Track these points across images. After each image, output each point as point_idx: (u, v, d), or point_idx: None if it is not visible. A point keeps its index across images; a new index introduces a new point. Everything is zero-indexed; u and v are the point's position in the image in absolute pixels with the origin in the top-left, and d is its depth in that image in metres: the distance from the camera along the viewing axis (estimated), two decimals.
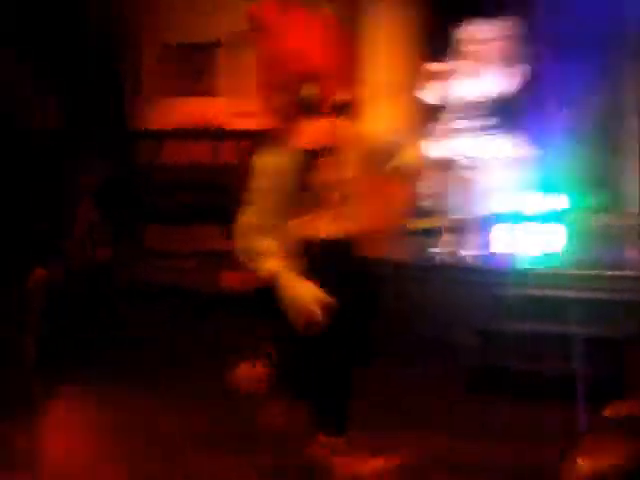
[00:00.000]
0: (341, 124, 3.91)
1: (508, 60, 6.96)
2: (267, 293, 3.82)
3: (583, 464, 3.47)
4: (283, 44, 3.90)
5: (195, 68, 9.59)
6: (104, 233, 7.64)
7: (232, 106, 9.22)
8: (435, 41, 8.05)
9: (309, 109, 3.83)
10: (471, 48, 7.01)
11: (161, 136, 9.48)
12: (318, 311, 3.64)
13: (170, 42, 9.54)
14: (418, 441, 4.57)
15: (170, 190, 9.03)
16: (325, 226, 3.87)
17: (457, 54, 7.07)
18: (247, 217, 3.83)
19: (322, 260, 3.78)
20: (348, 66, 4.10)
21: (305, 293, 3.68)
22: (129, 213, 8.84)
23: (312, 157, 3.83)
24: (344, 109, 3.90)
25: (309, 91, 3.83)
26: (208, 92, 9.51)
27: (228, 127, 9.16)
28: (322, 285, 3.68)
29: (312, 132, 3.82)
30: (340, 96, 3.86)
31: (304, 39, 3.90)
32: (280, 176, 3.85)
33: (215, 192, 8.39)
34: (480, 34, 6.99)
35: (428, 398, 5.47)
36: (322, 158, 3.86)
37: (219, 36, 9.23)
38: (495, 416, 5.06)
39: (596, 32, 7.67)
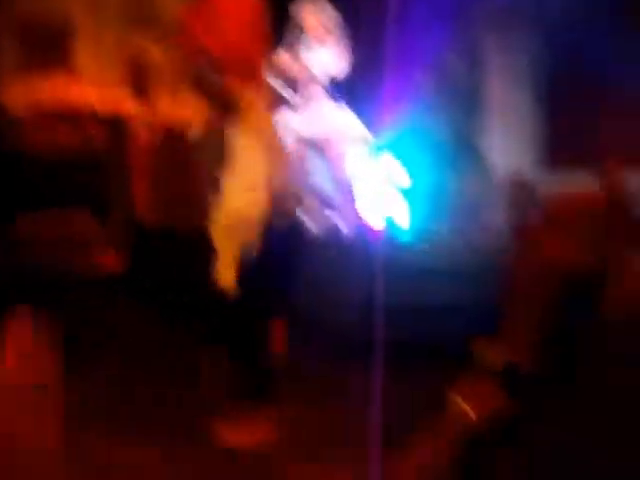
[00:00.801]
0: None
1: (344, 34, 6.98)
2: None
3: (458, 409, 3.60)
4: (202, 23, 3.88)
5: (52, 49, 9.42)
6: None
7: (92, 88, 9.11)
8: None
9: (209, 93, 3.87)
10: (309, 23, 7.01)
11: (24, 120, 9.29)
12: None
13: (26, 23, 9.35)
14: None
15: (34, 175, 8.86)
16: None
17: (297, 30, 7.06)
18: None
19: None
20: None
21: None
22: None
23: None
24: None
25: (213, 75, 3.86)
26: (66, 74, 9.35)
27: (89, 109, 9.03)
28: None
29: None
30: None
31: (223, 20, 3.90)
32: None
33: (79, 175, 8.29)
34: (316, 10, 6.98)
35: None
36: None
37: (75, 15, 9.10)
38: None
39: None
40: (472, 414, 3.64)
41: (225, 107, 3.92)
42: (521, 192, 5.02)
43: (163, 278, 4.52)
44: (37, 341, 3.92)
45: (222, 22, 3.88)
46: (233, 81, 3.87)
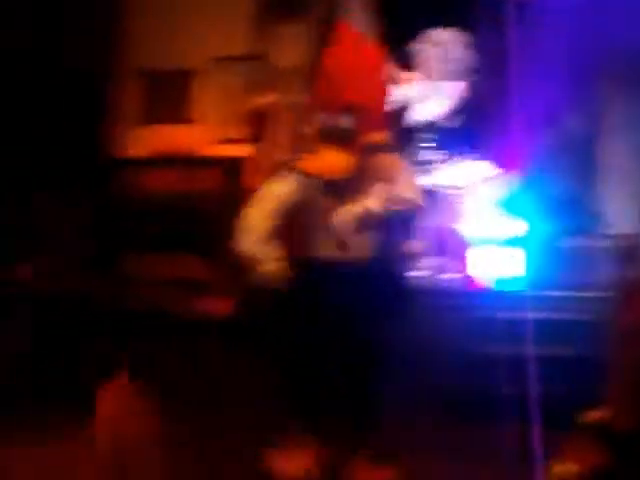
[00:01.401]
0: (365, 161, 3.97)
1: (466, 74, 6.90)
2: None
3: (560, 468, 3.58)
4: (332, 72, 3.93)
5: (171, 96, 9.61)
6: (85, 260, 7.64)
7: (208, 133, 9.27)
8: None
9: (340, 139, 3.88)
10: (430, 62, 6.95)
11: (140, 164, 9.49)
12: None
13: (146, 69, 9.56)
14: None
15: (147, 217, 9.02)
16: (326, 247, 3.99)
17: (416, 67, 7.01)
18: (253, 221, 4.08)
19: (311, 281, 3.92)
20: (383, 106, 4.14)
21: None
22: (109, 240, 8.84)
23: (328, 186, 3.92)
24: (376, 148, 3.96)
25: (345, 122, 3.87)
26: (184, 120, 9.53)
27: (204, 154, 9.19)
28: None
29: (333, 162, 3.88)
30: (374, 136, 3.92)
31: (353, 71, 3.95)
32: (292, 193, 4.05)
33: (190, 219, 8.41)
34: (439, 46, 6.92)
35: (406, 419, 5.47)
36: (338, 189, 3.96)
37: (194, 64, 9.27)
38: (473, 438, 5.06)
39: (571, 50, 7.76)
40: (575, 470, 3.61)
41: (361, 151, 3.95)
42: (635, 250, 4.96)
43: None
44: (131, 408, 3.98)
45: (351, 72, 3.92)
46: (365, 127, 3.90)
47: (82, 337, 7.01)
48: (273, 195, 4.07)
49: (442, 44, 6.86)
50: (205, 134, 9.35)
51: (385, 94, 4.08)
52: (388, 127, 4.05)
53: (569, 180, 8.96)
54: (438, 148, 6.94)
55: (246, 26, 8.78)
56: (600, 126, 9.09)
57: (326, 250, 4.09)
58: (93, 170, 9.17)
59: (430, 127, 6.98)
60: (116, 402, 4.06)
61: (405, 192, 4.15)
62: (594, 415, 3.87)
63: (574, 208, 8.92)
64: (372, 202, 4.10)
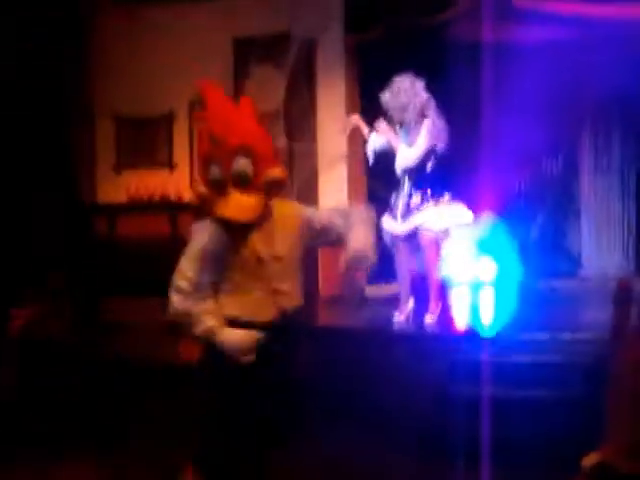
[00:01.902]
0: (270, 200, 4.03)
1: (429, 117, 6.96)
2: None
3: None
4: (219, 120, 4.02)
5: (148, 140, 9.63)
6: (65, 306, 7.61)
7: (187, 178, 9.28)
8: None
9: (240, 182, 3.94)
10: (394, 112, 7.01)
11: (117, 209, 9.49)
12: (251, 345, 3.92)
13: (123, 114, 9.58)
14: None
15: (126, 263, 9.00)
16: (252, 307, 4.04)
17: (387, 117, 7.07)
18: (183, 276, 3.99)
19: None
20: (271, 147, 4.21)
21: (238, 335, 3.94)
22: (88, 286, 8.81)
23: (239, 229, 3.96)
24: (275, 186, 4.02)
25: (241, 165, 3.94)
26: (163, 164, 9.55)
27: (184, 199, 9.19)
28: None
29: (239, 205, 3.93)
30: (272, 173, 3.98)
31: (237, 117, 4.04)
32: (211, 241, 4.01)
33: (169, 264, 8.38)
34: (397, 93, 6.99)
35: (386, 463, 5.45)
36: (249, 231, 3.99)
37: (172, 108, 9.31)
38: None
39: (548, 91, 7.82)
40: None
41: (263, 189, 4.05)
42: (626, 292, 4.97)
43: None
44: None
45: (229, 122, 4.03)
46: (261, 166, 4.02)
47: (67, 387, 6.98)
48: (196, 246, 4.11)
49: (400, 90, 6.92)
50: (182, 178, 9.37)
51: (268, 136, 4.16)
52: (280, 163, 4.13)
53: (546, 221, 9.02)
54: (414, 191, 6.96)
55: (223, 69, 8.86)
56: (577, 167, 9.17)
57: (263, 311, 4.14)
58: (71, 217, 9.16)
59: (405, 172, 7.02)
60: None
61: (357, 244, 4.18)
62: (593, 458, 3.84)
63: (551, 249, 8.98)
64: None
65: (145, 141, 9.61)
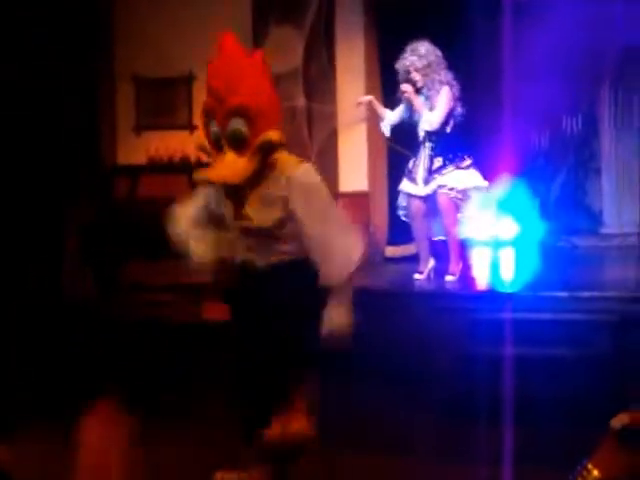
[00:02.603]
0: (263, 160, 4.02)
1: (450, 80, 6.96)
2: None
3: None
4: (222, 74, 4.00)
5: (167, 101, 9.62)
6: (87, 269, 7.64)
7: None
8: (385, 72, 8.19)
9: (234, 142, 3.93)
10: (416, 75, 7.00)
11: (137, 171, 9.50)
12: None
13: (143, 76, 9.57)
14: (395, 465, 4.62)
15: (148, 224, 9.02)
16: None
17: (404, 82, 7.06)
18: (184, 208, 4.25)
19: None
20: (276, 108, 4.19)
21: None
22: (110, 249, 8.84)
23: (230, 190, 4.04)
24: (270, 148, 4.00)
25: (236, 125, 3.92)
26: (183, 125, 9.54)
27: (202, 160, 9.18)
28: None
29: (225, 166, 3.94)
30: (266, 136, 3.96)
31: (243, 73, 4.01)
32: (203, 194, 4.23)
33: None
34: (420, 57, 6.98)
35: (407, 422, 5.47)
36: (240, 192, 4.03)
37: (192, 69, 9.28)
38: (474, 439, 5.06)
39: (569, 49, 7.77)
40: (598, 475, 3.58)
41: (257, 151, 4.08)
42: None
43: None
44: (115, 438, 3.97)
45: (234, 78, 4.03)
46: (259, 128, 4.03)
47: (82, 347, 7.01)
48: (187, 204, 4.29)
49: (425, 51, 6.91)
50: (203, 140, 9.36)
51: (274, 96, 4.13)
52: (280, 126, 4.11)
53: (567, 179, 8.99)
54: (435, 155, 6.96)
55: (242, 30, 8.81)
56: (597, 124, 9.13)
57: (236, 253, 4.18)
58: (92, 178, 9.17)
59: (425, 136, 7.01)
60: (100, 431, 4.03)
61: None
62: (623, 418, 3.82)
63: (572, 207, 8.96)
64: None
65: (165, 102, 9.60)
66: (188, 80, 9.44)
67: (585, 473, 3.57)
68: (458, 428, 5.32)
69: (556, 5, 7.76)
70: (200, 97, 9.61)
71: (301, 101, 8.58)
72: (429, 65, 6.93)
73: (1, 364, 6.35)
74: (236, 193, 4.03)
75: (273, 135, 3.98)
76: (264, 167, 4.01)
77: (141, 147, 9.62)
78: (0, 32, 7.72)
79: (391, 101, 7.33)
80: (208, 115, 4.01)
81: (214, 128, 3.97)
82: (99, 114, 9.52)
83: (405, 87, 7.00)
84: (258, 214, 4.04)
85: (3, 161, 7.70)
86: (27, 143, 8.04)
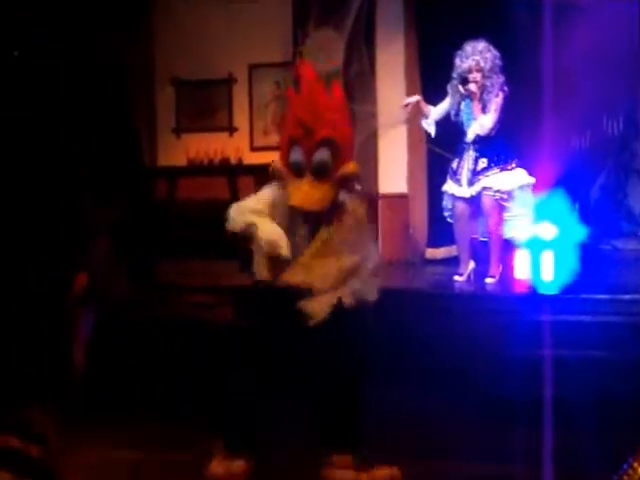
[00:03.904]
0: (338, 193, 4.20)
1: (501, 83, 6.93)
2: None
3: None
4: (310, 107, 4.14)
5: (208, 104, 9.66)
6: (120, 269, 7.66)
7: (247, 142, 9.31)
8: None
9: (319, 172, 4.15)
10: (477, 76, 6.95)
11: (177, 173, 9.56)
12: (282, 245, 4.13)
13: (183, 78, 9.62)
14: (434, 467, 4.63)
15: (186, 226, 9.07)
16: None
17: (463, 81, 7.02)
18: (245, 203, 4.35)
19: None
20: (352, 139, 4.34)
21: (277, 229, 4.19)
22: (145, 249, 8.88)
23: (307, 216, 4.24)
24: (349, 180, 4.14)
25: (324, 156, 4.15)
26: (223, 127, 9.58)
27: (244, 162, 9.23)
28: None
29: (308, 195, 4.15)
30: (346, 168, 4.11)
31: (327, 106, 4.15)
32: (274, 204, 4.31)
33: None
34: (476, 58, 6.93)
35: (446, 425, 5.46)
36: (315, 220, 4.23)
37: (232, 72, 9.33)
38: (517, 441, 5.03)
39: (608, 51, 7.73)
40: None
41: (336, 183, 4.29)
42: None
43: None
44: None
45: (320, 109, 4.20)
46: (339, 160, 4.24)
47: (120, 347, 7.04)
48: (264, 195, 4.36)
49: (484, 52, 6.86)
50: (242, 142, 9.40)
51: (350, 128, 4.29)
52: (353, 159, 4.29)
53: (607, 181, 8.92)
54: (480, 157, 6.94)
55: (282, 32, 8.84)
56: (638, 125, 9.05)
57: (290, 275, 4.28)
58: (132, 179, 9.22)
59: (474, 139, 6.98)
60: None
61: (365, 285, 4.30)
62: None
63: (612, 210, 8.89)
64: (345, 294, 4.28)
65: (205, 104, 9.67)
66: (228, 82, 9.49)
67: (631, 472, 3.56)
68: (498, 430, 5.30)
69: (599, 5, 7.71)
70: (240, 99, 9.73)
71: None
72: (492, 68, 6.88)
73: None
74: (315, 218, 4.22)
75: (354, 167, 4.14)
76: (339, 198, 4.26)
77: (181, 149, 9.69)
78: (52, 34, 7.82)
79: (432, 102, 7.30)
80: (293, 143, 4.14)
81: (297, 155, 4.10)
82: (139, 116, 9.58)
83: (473, 87, 6.92)
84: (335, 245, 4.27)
85: (35, 159, 7.78)
86: (60, 143, 8.11)
